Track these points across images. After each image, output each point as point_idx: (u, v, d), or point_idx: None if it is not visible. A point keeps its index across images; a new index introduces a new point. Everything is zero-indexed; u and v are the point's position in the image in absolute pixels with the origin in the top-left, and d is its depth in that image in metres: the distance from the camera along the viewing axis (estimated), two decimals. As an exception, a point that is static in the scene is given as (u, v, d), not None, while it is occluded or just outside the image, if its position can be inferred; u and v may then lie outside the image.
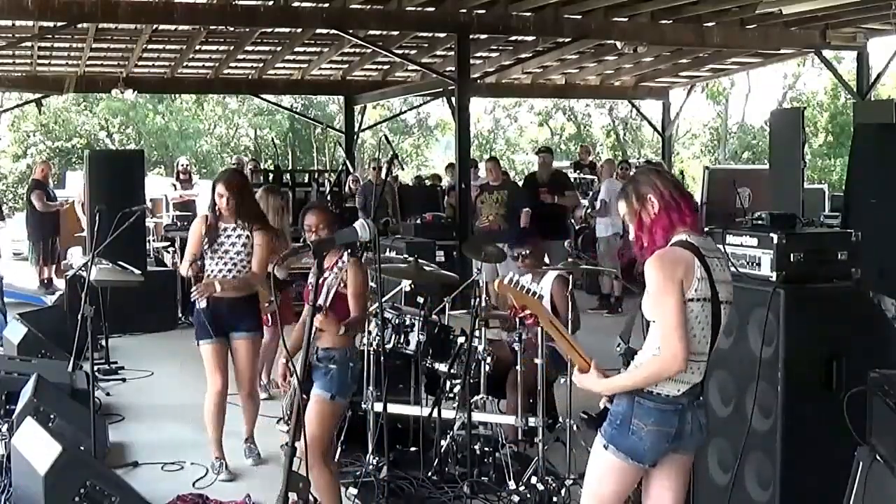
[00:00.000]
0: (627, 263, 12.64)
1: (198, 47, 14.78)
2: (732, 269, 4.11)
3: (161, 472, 5.84)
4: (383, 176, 10.52)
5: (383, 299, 5.31)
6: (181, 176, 15.32)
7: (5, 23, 12.38)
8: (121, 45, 14.59)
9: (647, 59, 16.65)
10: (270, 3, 11.89)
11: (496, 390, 5.87)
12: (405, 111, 28.62)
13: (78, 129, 31.46)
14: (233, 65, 16.54)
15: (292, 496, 3.11)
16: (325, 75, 18.06)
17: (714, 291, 3.27)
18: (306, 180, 15.08)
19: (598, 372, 3.44)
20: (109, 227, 6.85)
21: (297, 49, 15.43)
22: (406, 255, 7.09)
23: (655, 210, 3.35)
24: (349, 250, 4.66)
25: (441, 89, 16.11)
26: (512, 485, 5.26)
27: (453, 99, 14.25)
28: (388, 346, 5.75)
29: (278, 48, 15.43)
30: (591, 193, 13.26)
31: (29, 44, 13.69)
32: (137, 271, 8.83)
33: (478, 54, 15.05)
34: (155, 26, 12.87)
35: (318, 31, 13.19)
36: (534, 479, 5.14)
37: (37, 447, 4.59)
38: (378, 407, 5.52)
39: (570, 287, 5.62)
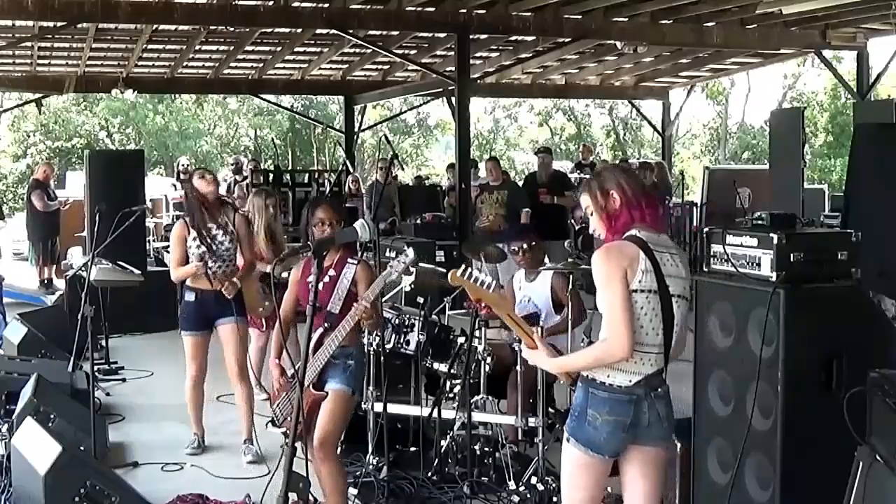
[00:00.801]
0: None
1: (198, 47, 14.78)
2: (732, 268, 4.12)
3: (161, 472, 5.84)
4: (391, 175, 10.52)
5: (383, 299, 5.32)
6: (181, 176, 15.29)
7: (5, 23, 12.38)
8: (121, 45, 14.59)
9: (647, 59, 16.65)
10: (270, 3, 11.89)
11: (496, 390, 5.87)
12: (405, 111, 28.63)
13: (78, 129, 31.47)
14: (233, 65, 16.54)
15: (292, 496, 3.11)
16: (325, 75, 18.07)
17: (663, 285, 3.35)
18: (306, 180, 15.10)
19: (547, 350, 3.53)
20: (109, 227, 6.84)
21: (297, 49, 15.43)
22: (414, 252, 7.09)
23: (617, 206, 3.45)
24: (346, 251, 4.65)
25: (441, 89, 16.11)
26: (512, 485, 5.27)
27: (453, 99, 14.26)
28: (388, 346, 5.75)
29: (278, 48, 15.44)
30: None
31: (29, 44, 13.69)
32: (137, 271, 8.83)
33: (478, 54, 15.05)
34: (155, 26, 12.87)
35: (318, 31, 13.20)
36: (534, 479, 5.14)
37: (37, 447, 4.59)
38: (378, 407, 5.53)
39: (571, 286, 5.62)
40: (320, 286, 4.17)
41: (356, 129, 19.73)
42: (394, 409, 5.66)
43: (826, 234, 4.57)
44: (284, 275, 6.34)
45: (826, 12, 12.17)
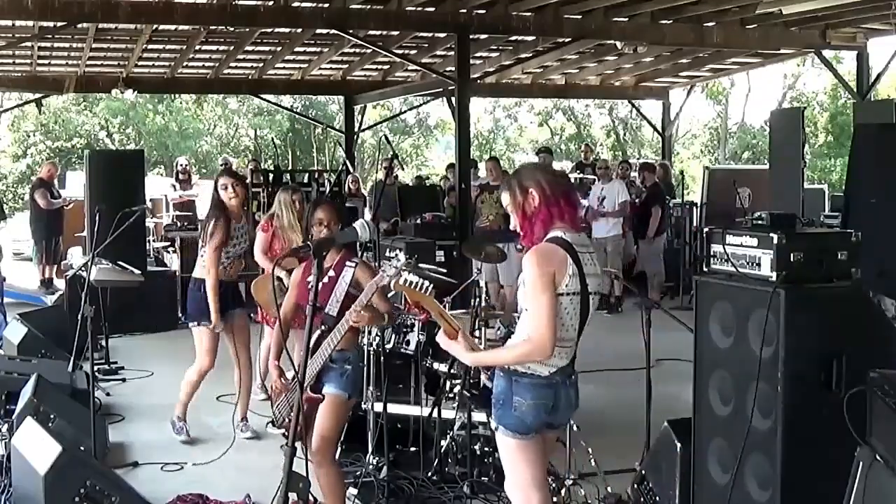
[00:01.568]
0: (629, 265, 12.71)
1: (198, 47, 14.78)
2: (732, 268, 4.12)
3: (161, 472, 5.84)
4: (393, 175, 10.51)
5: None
6: (181, 176, 15.30)
7: (5, 23, 12.39)
8: (121, 45, 14.59)
9: (647, 59, 16.65)
10: (270, 3, 11.89)
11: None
12: (405, 111, 28.62)
13: (78, 129, 31.47)
14: (233, 65, 16.54)
15: (292, 496, 3.11)
16: (325, 75, 18.07)
17: (584, 284, 3.54)
18: (306, 180, 15.08)
19: (466, 343, 3.67)
20: (109, 227, 6.84)
21: (297, 49, 15.43)
22: (406, 256, 7.08)
23: (536, 203, 3.57)
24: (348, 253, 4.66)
25: (441, 89, 16.11)
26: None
27: (453, 99, 14.25)
28: (388, 346, 5.75)
29: (278, 48, 15.44)
30: (589, 194, 13.26)
31: (29, 44, 13.69)
32: (137, 271, 8.83)
33: (478, 54, 15.05)
34: (155, 26, 12.87)
35: (318, 31, 13.19)
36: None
37: (37, 447, 4.59)
38: (378, 407, 5.53)
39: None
40: (319, 287, 4.17)
41: (356, 129, 19.73)
42: (394, 409, 5.66)
43: (826, 234, 4.57)
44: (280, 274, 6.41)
45: (826, 12, 12.17)
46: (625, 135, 34.33)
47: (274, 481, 3.57)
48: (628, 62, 16.80)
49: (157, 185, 17.66)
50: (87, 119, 31.73)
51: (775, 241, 3.93)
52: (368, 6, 11.91)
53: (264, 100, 23.25)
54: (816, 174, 27.21)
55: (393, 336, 5.83)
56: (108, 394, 7.75)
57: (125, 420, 7.06)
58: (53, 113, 30.40)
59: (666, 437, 4.72)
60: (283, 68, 17.30)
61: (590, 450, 5.36)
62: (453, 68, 12.57)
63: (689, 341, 4.38)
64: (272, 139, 28.82)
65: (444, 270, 6.77)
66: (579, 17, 12.32)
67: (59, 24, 11.37)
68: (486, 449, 5.56)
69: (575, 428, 5.35)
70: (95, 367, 6.18)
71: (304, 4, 11.91)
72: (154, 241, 13.82)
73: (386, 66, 17.26)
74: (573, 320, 3.54)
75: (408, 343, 5.84)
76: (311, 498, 4.60)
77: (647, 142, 32.80)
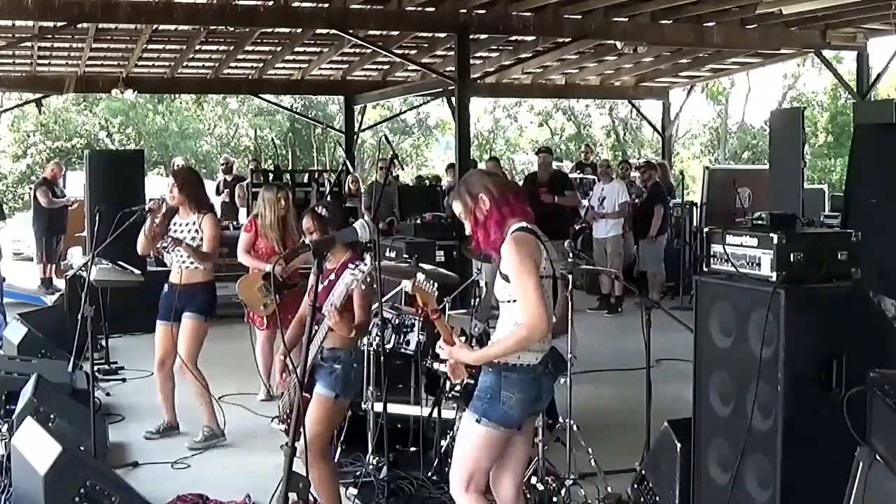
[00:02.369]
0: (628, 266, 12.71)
1: (198, 47, 14.78)
2: (732, 268, 4.12)
3: (161, 472, 5.84)
4: (391, 175, 10.50)
5: (383, 299, 5.32)
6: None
7: (5, 23, 12.39)
8: (121, 45, 14.59)
9: (647, 59, 16.66)
10: (270, 3, 11.89)
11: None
12: (405, 111, 28.62)
13: (78, 129, 31.46)
14: (233, 65, 16.55)
15: (292, 496, 3.11)
16: (325, 75, 18.07)
17: (553, 269, 3.72)
18: (306, 180, 15.08)
19: (465, 345, 3.82)
20: (109, 227, 6.84)
21: (297, 49, 15.43)
22: (406, 255, 7.09)
23: (487, 207, 3.71)
24: (354, 255, 4.66)
25: (441, 89, 16.12)
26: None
27: (453, 99, 14.26)
28: (388, 346, 5.75)
29: (278, 48, 15.44)
30: (590, 194, 13.27)
31: (29, 44, 13.69)
32: (137, 271, 8.82)
33: (478, 54, 15.06)
34: (155, 26, 12.87)
35: (318, 31, 13.20)
36: (534, 479, 5.13)
37: (37, 447, 4.59)
38: (378, 407, 5.53)
39: (571, 287, 5.62)
40: (321, 288, 4.18)
41: (356, 129, 19.73)
42: (394, 409, 5.65)
43: (826, 234, 4.57)
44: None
45: (826, 12, 12.17)
46: (625, 135, 34.33)
47: (274, 481, 3.58)
48: (628, 62, 16.80)
49: (158, 186, 17.66)
50: (87, 119, 31.73)
51: (775, 241, 3.93)
52: (368, 6, 11.91)
53: (264, 100, 23.26)
54: (816, 174, 27.20)
55: (393, 336, 5.83)
56: (108, 394, 7.74)
57: (125, 420, 7.06)
58: (53, 113, 30.39)
59: (666, 437, 4.72)
60: (283, 68, 17.30)
61: (590, 450, 5.36)
62: (453, 68, 12.57)
63: (689, 341, 4.38)
64: (272, 139, 28.83)
65: (444, 270, 6.77)
66: (579, 17, 12.32)
67: (59, 24, 11.37)
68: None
69: (575, 428, 5.36)
70: (95, 367, 6.18)
71: (304, 4, 11.91)
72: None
73: (386, 66, 17.26)
74: (549, 304, 3.67)
75: (408, 343, 5.84)
76: (311, 498, 4.60)
77: (647, 142, 32.79)
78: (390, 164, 10.49)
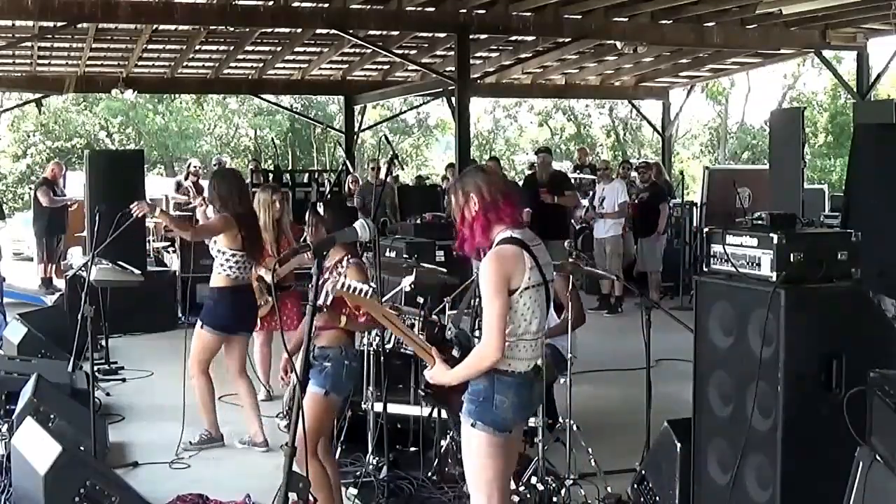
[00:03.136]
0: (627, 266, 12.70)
1: (198, 47, 14.79)
2: (732, 268, 4.12)
3: (161, 473, 5.84)
4: (383, 176, 10.50)
5: (383, 299, 5.32)
6: (191, 178, 14.88)
7: (5, 23, 12.40)
8: (121, 45, 14.60)
9: (647, 59, 16.66)
10: (270, 3, 11.89)
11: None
12: (405, 111, 28.63)
13: (78, 129, 31.46)
14: (233, 65, 16.55)
15: (292, 496, 3.11)
16: (325, 75, 18.08)
17: (543, 275, 3.67)
18: (306, 180, 15.09)
19: (444, 364, 3.71)
20: (109, 227, 6.84)
21: (297, 49, 15.44)
22: (406, 256, 7.08)
23: (476, 209, 3.69)
24: (349, 254, 4.66)
25: (441, 89, 16.12)
26: (512, 485, 5.26)
27: (453, 99, 14.26)
28: (388, 346, 5.75)
29: (278, 48, 15.45)
30: (591, 194, 13.27)
31: (29, 44, 13.69)
32: (137, 271, 8.83)
33: (478, 54, 15.06)
34: (155, 26, 12.87)
35: (318, 31, 13.20)
36: (534, 479, 5.13)
37: (37, 447, 4.59)
38: (378, 407, 5.52)
39: (571, 286, 5.62)
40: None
41: (356, 129, 19.74)
42: (394, 409, 5.65)
43: (826, 234, 4.56)
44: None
45: (826, 12, 12.17)
46: (625, 135, 34.32)
47: (274, 482, 3.58)
48: (628, 62, 16.80)
49: (158, 185, 17.67)
50: (87, 119, 31.73)
51: (775, 241, 3.93)
52: (368, 6, 11.91)
53: (264, 100, 23.27)
54: (816, 174, 27.20)
55: (393, 336, 5.82)
56: (107, 394, 7.74)
57: (125, 420, 7.06)
58: (53, 113, 30.39)
59: (666, 437, 4.72)
60: (283, 68, 17.31)
61: (590, 450, 5.36)
62: (453, 68, 12.57)
63: (689, 341, 4.38)
64: (272, 139, 28.83)
65: (444, 270, 6.77)
66: (579, 17, 12.32)
67: (59, 24, 11.37)
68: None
69: (575, 428, 5.36)
70: (95, 367, 6.18)
71: (304, 4, 11.91)
72: (154, 241, 13.81)
73: (386, 66, 17.26)
74: (537, 313, 3.64)
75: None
76: (310, 498, 4.60)
77: (647, 142, 32.79)
78: (390, 163, 10.47)
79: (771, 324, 3.84)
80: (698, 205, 13.23)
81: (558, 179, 11.70)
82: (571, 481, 5.13)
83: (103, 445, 5.86)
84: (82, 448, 5.30)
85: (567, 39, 13.35)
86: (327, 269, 4.59)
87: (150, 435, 6.61)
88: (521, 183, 13.13)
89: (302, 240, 4.76)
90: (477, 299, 5.88)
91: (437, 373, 3.73)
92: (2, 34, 13.10)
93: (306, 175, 16.76)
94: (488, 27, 12.52)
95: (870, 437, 3.30)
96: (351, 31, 12.10)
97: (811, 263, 3.97)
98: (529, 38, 14.28)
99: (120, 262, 8.52)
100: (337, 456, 5.49)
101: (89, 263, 6.55)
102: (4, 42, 13.10)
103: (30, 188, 18.16)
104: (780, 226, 4.09)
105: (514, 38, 14.38)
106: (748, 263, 4.06)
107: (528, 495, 5.12)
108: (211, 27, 13.21)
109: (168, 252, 12.98)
